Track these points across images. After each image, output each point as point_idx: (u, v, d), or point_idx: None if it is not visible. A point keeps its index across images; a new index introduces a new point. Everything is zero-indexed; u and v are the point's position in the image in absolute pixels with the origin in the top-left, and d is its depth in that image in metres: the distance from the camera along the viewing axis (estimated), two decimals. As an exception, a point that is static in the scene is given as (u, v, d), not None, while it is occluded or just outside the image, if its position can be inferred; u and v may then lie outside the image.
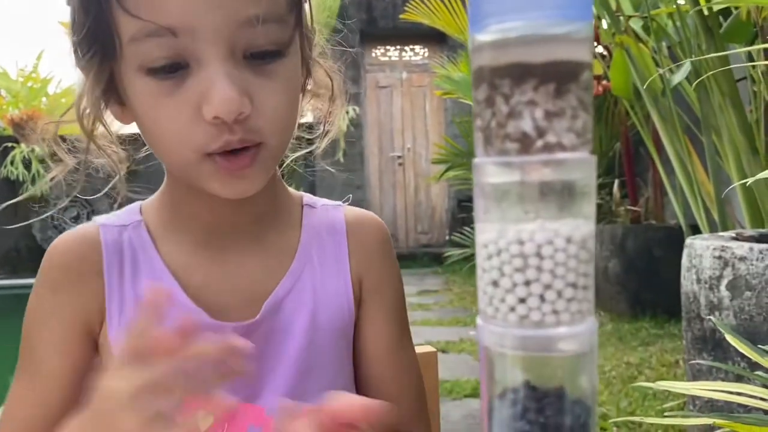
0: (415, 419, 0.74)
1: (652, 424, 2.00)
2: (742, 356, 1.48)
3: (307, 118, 0.81)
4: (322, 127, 0.80)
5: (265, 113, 0.57)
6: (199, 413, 0.68)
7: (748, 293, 1.56)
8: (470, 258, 5.39)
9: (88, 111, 0.63)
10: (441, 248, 6.22)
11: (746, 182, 1.86)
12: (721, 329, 1.19)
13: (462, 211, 6.13)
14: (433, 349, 1.03)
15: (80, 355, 0.64)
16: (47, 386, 0.64)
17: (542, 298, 0.29)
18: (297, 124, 0.68)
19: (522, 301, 0.29)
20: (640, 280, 3.61)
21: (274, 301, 0.66)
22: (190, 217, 0.66)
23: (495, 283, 0.29)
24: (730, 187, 2.05)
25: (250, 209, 0.66)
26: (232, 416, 0.67)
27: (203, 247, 0.66)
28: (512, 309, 0.29)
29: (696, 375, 1.66)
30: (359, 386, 0.72)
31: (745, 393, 1.03)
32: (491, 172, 0.29)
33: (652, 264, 3.56)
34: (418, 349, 1.04)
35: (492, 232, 0.29)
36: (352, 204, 0.78)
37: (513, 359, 0.30)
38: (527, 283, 0.29)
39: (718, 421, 0.90)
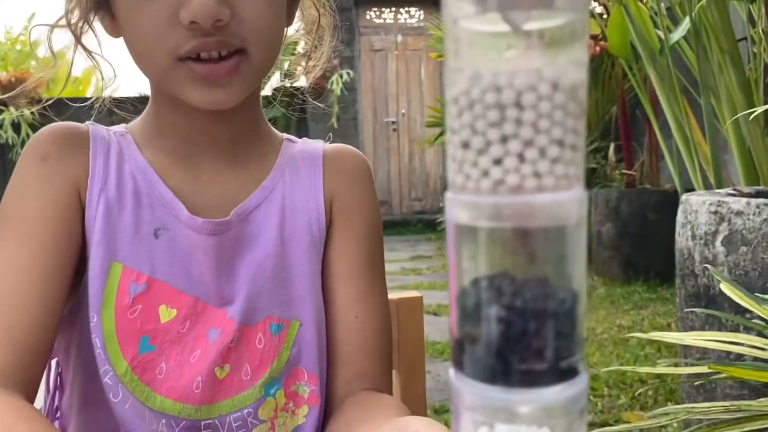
0: (378, 371, 0.72)
1: (643, 381, 1.98)
2: (737, 311, 1.45)
3: (301, 46, 0.82)
4: (305, 63, 0.82)
5: (246, 21, 0.59)
6: (162, 306, 0.67)
7: (743, 248, 1.53)
8: (463, 223, 5.34)
9: (77, 15, 0.65)
10: (434, 215, 6.17)
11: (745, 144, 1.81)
12: (716, 277, 1.15)
13: (456, 177, 6.06)
14: (419, 294, 0.99)
15: (68, 224, 0.64)
16: (37, 247, 0.62)
17: (521, 158, 0.24)
18: (282, 43, 0.69)
19: (497, 162, 0.24)
20: (633, 245, 3.58)
21: (243, 209, 0.67)
22: (170, 126, 0.68)
23: (465, 145, 0.25)
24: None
25: (229, 126, 0.68)
26: (196, 316, 0.66)
27: (182, 157, 0.68)
28: (485, 174, 0.24)
29: (688, 331, 1.63)
30: (326, 309, 0.71)
31: (740, 342, 0.99)
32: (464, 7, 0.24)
33: (646, 228, 3.53)
34: (403, 294, 1.00)
35: (463, 82, 0.24)
36: None
37: (487, 235, 0.25)
38: (504, 139, 0.24)
39: (714, 367, 0.87)
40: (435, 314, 3.47)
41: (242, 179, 0.69)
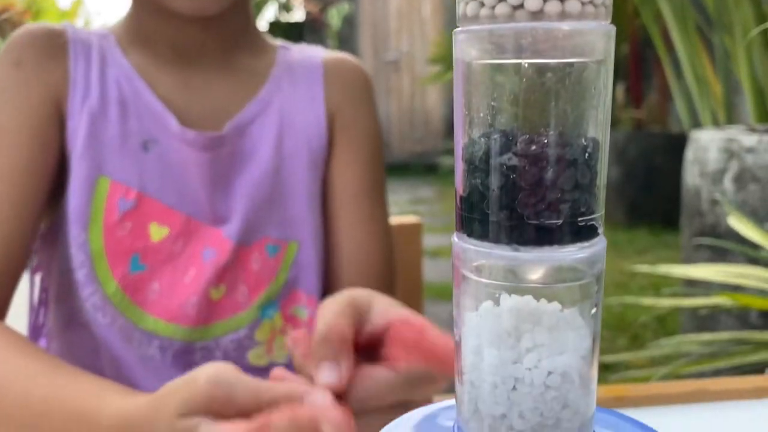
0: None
1: (644, 324, 1.98)
2: (742, 249, 1.43)
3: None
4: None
5: None
6: (153, 224, 0.65)
7: (752, 186, 1.49)
8: (466, 166, 5.30)
9: None
10: (435, 157, 6.12)
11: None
12: (726, 208, 1.13)
13: (459, 120, 5.97)
14: (418, 220, 0.97)
15: (45, 135, 0.60)
16: (8, 159, 0.59)
17: (543, -23, 0.21)
18: None
19: (514, -15, 0.21)
20: (638, 189, 3.54)
21: (238, 123, 0.63)
22: (154, 31, 0.64)
23: (479, -34, 0.21)
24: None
25: (218, 33, 0.64)
26: (189, 235, 0.64)
27: (170, 64, 0.64)
28: (502, -1, 0.21)
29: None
30: (326, 234, 0.68)
31: (747, 275, 0.97)
32: None
33: (652, 172, 3.49)
34: (402, 219, 0.97)
35: None
36: None
37: (500, 72, 0.22)
38: (523, -45, 0.21)
39: (724, 294, 0.85)
40: (433, 257, 3.46)
41: (235, 90, 0.66)
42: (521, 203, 0.22)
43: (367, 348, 0.41)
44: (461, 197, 0.24)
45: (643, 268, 1.06)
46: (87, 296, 0.63)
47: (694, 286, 1.27)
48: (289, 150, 0.65)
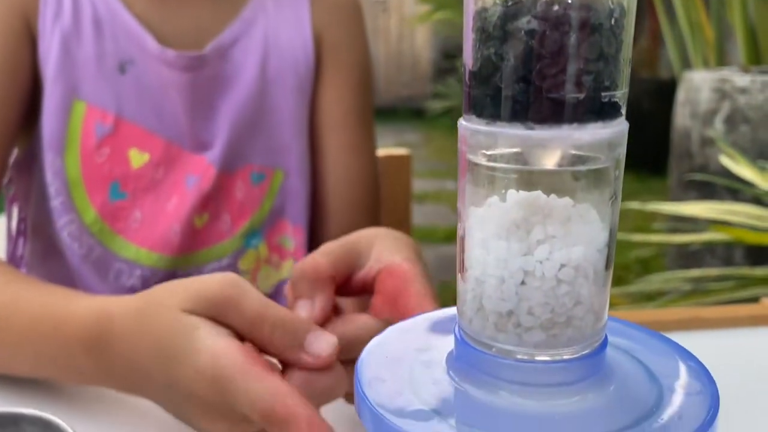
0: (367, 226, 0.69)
1: (626, 266, 1.98)
2: (729, 188, 1.43)
3: None
4: None
5: None
6: (132, 150, 0.62)
7: (743, 127, 1.48)
8: (452, 111, 5.27)
9: None
10: (423, 102, 6.05)
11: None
12: (719, 145, 1.11)
13: (447, 62, 5.89)
14: (407, 152, 0.95)
15: (14, 56, 0.58)
16: None
17: None
18: None
19: None
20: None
21: (220, 43, 0.61)
22: None
23: None
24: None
25: None
26: (170, 162, 0.61)
27: None
28: None
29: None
30: (312, 161, 0.66)
31: (737, 211, 0.97)
32: None
33: (641, 119, 3.46)
34: (391, 151, 0.95)
35: None
36: None
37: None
38: None
39: (715, 228, 0.84)
40: (420, 201, 3.45)
41: (216, 8, 0.62)
42: (539, 74, 0.20)
43: (363, 292, 0.39)
44: (470, 72, 0.21)
45: (633, 205, 1.05)
46: (63, 225, 0.61)
47: (680, 228, 1.27)
48: (274, 73, 0.63)
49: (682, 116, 1.65)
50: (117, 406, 0.51)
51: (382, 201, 0.93)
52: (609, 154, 0.21)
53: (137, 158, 0.61)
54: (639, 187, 3.34)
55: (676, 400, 0.22)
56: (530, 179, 0.22)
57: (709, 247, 1.16)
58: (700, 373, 0.24)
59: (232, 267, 0.64)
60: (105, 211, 0.61)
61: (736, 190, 1.22)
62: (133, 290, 0.62)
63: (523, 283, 0.22)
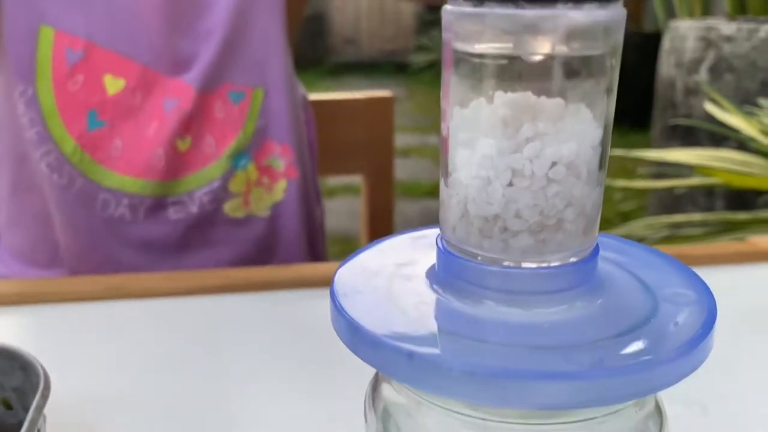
0: None
1: (607, 220, 1.98)
2: (712, 137, 1.42)
3: None
4: None
5: None
6: (107, 76, 0.60)
7: (728, 76, 1.47)
8: (436, 64, 5.20)
9: None
10: (406, 56, 5.96)
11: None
12: (705, 90, 1.10)
13: (430, 14, 5.78)
14: (390, 94, 0.93)
15: None
16: None
17: None
18: None
19: None
20: (608, 89, 3.50)
21: None
22: None
23: None
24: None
25: None
26: (147, 86, 0.60)
27: None
28: None
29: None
30: None
31: (724, 158, 0.96)
32: None
33: (624, 72, 3.43)
34: (374, 94, 0.93)
35: None
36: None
37: None
38: None
39: (702, 170, 0.83)
40: (404, 156, 3.42)
41: None
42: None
43: None
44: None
45: (617, 152, 1.04)
46: (41, 156, 0.59)
47: (665, 175, 1.26)
48: None
49: (666, 66, 1.63)
50: (86, 338, 0.49)
51: (365, 145, 0.91)
52: (605, 41, 0.20)
53: (113, 84, 0.59)
54: (621, 142, 3.34)
55: (672, 309, 0.21)
56: (520, 75, 0.20)
57: (690, 195, 1.16)
58: (697, 284, 0.23)
59: (223, 190, 0.63)
60: (84, 140, 0.59)
61: (720, 138, 1.21)
62: (122, 219, 0.61)
63: (510, 184, 0.20)
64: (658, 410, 0.23)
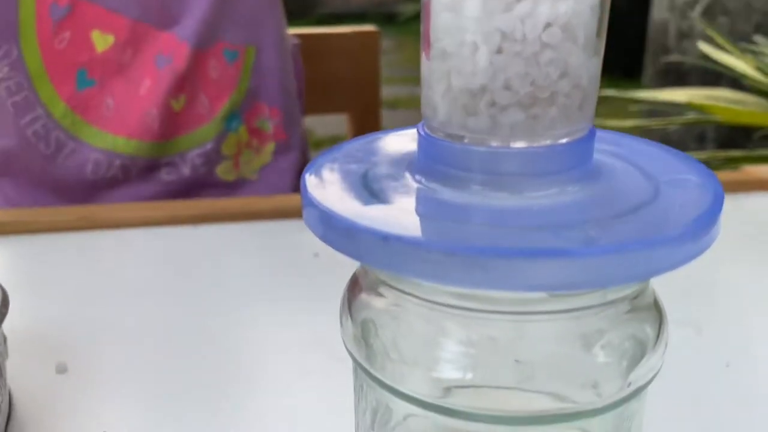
0: None
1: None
2: (706, 80, 1.40)
3: None
4: None
5: None
6: (95, 32, 0.58)
7: (722, 19, 1.44)
8: (425, 15, 5.10)
9: None
10: (394, 6, 5.85)
11: None
12: (699, 25, 1.07)
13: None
14: (374, 29, 0.90)
15: None
16: None
17: None
18: None
19: None
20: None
21: None
22: None
23: None
24: None
25: None
26: (137, 42, 0.57)
27: None
28: None
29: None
30: None
31: (718, 96, 0.94)
32: None
33: (616, 22, 3.39)
34: (359, 29, 0.90)
35: None
36: None
37: None
38: None
39: (697, 104, 0.81)
40: (392, 107, 3.39)
41: None
42: None
43: None
44: None
45: (609, 92, 1.02)
46: (27, 123, 0.57)
47: (656, 114, 1.24)
48: None
49: (659, 9, 1.59)
50: (57, 269, 0.47)
51: (351, 81, 0.88)
52: None
53: (101, 41, 0.57)
54: (611, 96, 3.31)
55: (676, 192, 0.19)
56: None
57: (683, 136, 1.14)
58: (702, 170, 0.21)
59: (216, 152, 0.62)
60: (74, 101, 0.57)
61: (713, 81, 1.19)
62: (114, 180, 0.59)
63: (499, 50, 0.18)
64: (657, 309, 0.21)
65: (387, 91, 3.74)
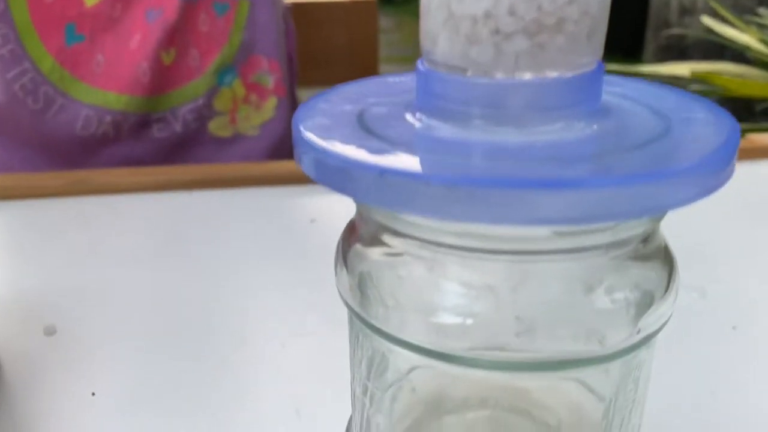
0: None
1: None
2: (707, 56, 1.38)
3: None
4: None
5: None
6: None
7: (725, -6, 1.42)
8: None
9: None
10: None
11: None
12: (702, 1, 1.05)
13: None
14: (373, -1, 0.88)
15: None
16: None
17: None
18: None
19: None
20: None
21: None
22: None
23: None
24: None
25: None
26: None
27: None
28: None
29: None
30: None
31: (721, 70, 0.92)
32: None
33: (618, 0, 3.37)
34: (357, -3, 0.88)
35: None
36: None
37: None
38: None
39: (699, 73, 0.80)
40: (390, 84, 3.36)
41: None
42: None
43: None
44: None
45: (611, 67, 1.00)
46: (14, 78, 0.56)
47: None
48: None
49: (662, -16, 1.57)
50: (46, 234, 0.46)
51: (348, 50, 0.87)
52: None
53: None
54: (613, 71, 3.29)
55: (689, 129, 0.18)
56: None
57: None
58: (716, 109, 0.20)
59: (208, 107, 0.61)
60: (63, 56, 0.56)
61: (715, 56, 1.17)
62: (105, 138, 0.59)
63: (503, -26, 0.17)
64: (668, 255, 0.20)
65: (385, 70, 3.70)
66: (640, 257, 0.19)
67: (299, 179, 0.49)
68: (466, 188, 0.15)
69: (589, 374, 0.21)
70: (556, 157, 0.16)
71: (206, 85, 0.60)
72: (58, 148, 0.59)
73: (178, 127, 0.60)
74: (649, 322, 0.19)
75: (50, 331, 0.35)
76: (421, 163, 0.17)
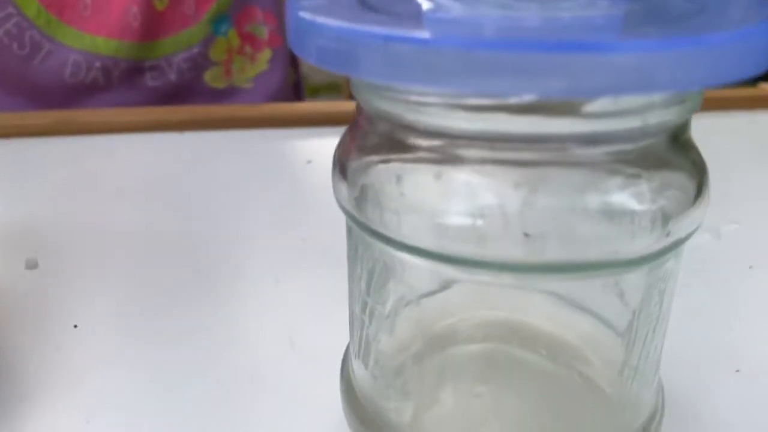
0: None
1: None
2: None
3: None
4: None
5: None
6: None
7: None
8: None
9: None
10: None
11: None
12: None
13: None
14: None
15: None
16: None
17: None
18: None
19: None
20: None
21: None
22: None
23: None
24: None
25: None
26: None
27: None
28: None
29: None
30: None
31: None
32: None
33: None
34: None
35: None
36: None
37: None
38: None
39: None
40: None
41: None
42: None
43: None
44: None
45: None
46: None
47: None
48: None
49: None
50: (32, 174, 0.44)
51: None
52: None
53: None
54: None
55: (726, 9, 0.16)
56: None
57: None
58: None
59: (203, 57, 0.59)
60: (49, 1, 0.54)
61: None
62: (95, 84, 0.56)
63: None
64: (700, 161, 0.18)
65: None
66: (670, 157, 0.17)
67: (294, 122, 0.48)
68: (479, 52, 0.13)
69: (616, 281, 0.19)
70: (582, 27, 0.15)
71: (201, 33, 0.58)
72: (47, 96, 0.57)
73: (172, 76, 0.58)
74: (680, 227, 0.17)
75: (32, 265, 0.34)
76: (430, 30, 0.15)
